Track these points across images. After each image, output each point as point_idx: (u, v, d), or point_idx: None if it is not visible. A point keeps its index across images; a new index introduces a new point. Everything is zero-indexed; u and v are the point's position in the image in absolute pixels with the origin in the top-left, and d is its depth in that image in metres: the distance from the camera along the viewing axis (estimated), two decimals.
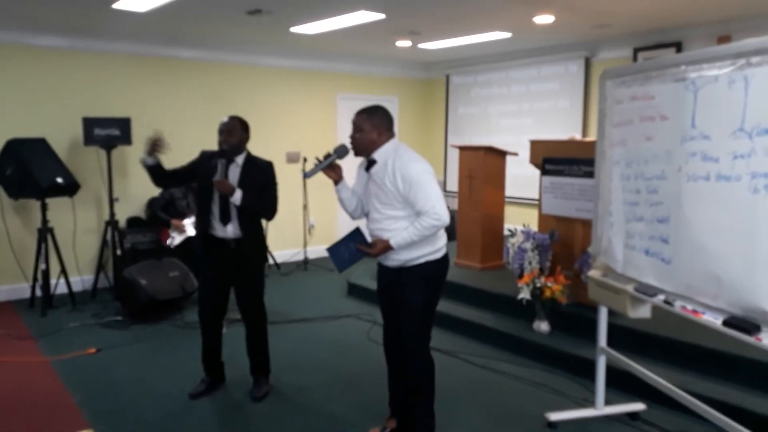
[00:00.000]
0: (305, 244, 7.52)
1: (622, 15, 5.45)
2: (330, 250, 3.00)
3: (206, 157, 3.67)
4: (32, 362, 4.30)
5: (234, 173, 3.56)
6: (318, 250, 7.90)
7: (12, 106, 5.82)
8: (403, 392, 3.16)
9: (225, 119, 3.60)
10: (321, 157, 3.02)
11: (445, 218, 2.79)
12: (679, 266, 2.53)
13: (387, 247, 2.83)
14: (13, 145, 5.39)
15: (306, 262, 7.39)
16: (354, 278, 6.22)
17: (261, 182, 3.61)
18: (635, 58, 6.32)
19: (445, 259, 2.98)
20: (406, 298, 2.91)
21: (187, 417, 3.49)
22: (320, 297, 6.12)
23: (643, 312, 2.86)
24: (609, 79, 3.13)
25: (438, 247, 2.92)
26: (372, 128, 2.92)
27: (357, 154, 2.99)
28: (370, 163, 2.95)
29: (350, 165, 3.09)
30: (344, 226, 8.18)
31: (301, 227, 7.54)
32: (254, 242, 3.65)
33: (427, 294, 2.94)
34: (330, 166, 3.00)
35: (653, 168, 2.71)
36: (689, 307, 2.45)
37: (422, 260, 2.89)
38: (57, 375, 4.06)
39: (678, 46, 6.00)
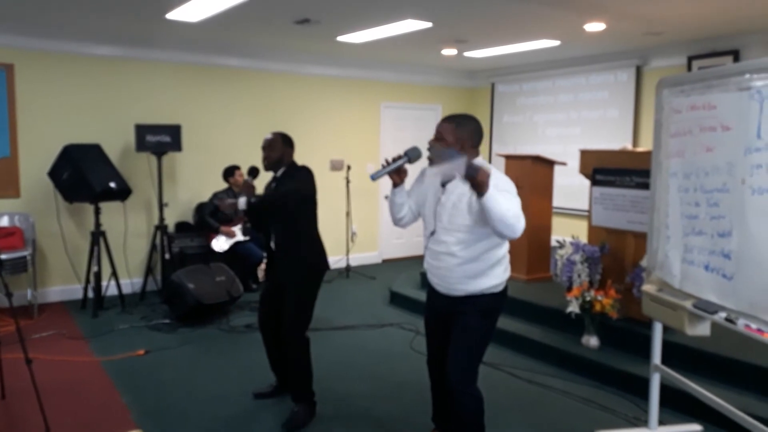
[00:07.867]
0: (347, 252, 7.54)
1: (676, 22, 5.30)
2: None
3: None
4: (84, 362, 4.42)
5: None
6: (360, 257, 7.93)
7: (69, 113, 6.02)
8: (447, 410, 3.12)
9: (268, 136, 3.56)
10: (390, 159, 2.72)
11: (522, 229, 2.53)
12: (742, 283, 2.42)
13: (485, 182, 2.36)
14: (70, 150, 5.56)
15: (348, 270, 7.40)
16: (396, 287, 6.20)
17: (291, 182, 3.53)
18: (689, 67, 6.13)
19: (505, 291, 2.80)
20: (462, 329, 2.71)
21: (233, 420, 3.51)
22: (362, 305, 6.12)
23: (702, 329, 2.75)
24: (666, 87, 3.04)
25: (503, 280, 2.76)
26: (455, 141, 2.61)
27: (433, 163, 2.69)
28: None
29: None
30: (386, 234, 8.19)
31: (344, 234, 7.56)
32: (289, 256, 3.52)
33: (485, 328, 2.76)
34: (397, 170, 2.71)
35: (714, 180, 2.61)
36: (753, 326, 2.34)
37: (485, 292, 2.71)
38: (107, 375, 4.16)
39: (735, 54, 5.80)
